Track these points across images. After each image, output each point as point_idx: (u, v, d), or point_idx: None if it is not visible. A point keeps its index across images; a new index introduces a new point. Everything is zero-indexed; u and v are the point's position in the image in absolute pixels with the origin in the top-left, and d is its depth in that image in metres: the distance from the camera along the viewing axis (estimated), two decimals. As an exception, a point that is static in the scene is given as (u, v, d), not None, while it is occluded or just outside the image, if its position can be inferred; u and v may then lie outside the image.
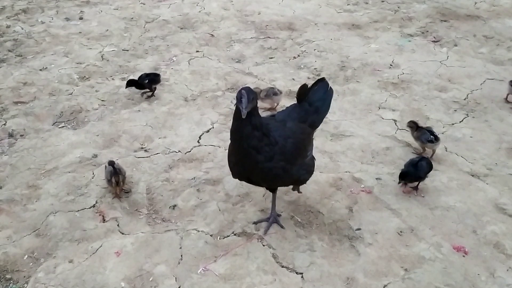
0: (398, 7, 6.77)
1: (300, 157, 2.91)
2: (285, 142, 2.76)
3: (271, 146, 2.67)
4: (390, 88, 4.77)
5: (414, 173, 3.31)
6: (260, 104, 4.09)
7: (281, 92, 4.45)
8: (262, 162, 2.68)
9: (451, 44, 5.67)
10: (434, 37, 5.85)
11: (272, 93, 4.38)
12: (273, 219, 3.16)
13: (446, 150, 3.86)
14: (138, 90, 4.66)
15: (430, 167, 3.38)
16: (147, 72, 4.87)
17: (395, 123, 4.22)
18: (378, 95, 4.65)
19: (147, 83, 4.61)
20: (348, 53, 5.50)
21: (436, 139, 3.64)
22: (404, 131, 4.07)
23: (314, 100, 3.17)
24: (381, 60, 5.32)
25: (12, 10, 6.71)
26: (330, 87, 3.32)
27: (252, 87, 4.27)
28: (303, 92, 3.17)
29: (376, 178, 3.53)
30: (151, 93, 4.68)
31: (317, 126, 3.22)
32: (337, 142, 4.02)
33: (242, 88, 2.51)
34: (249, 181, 2.93)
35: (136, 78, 4.67)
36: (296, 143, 2.84)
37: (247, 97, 2.44)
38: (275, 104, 4.46)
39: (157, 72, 4.86)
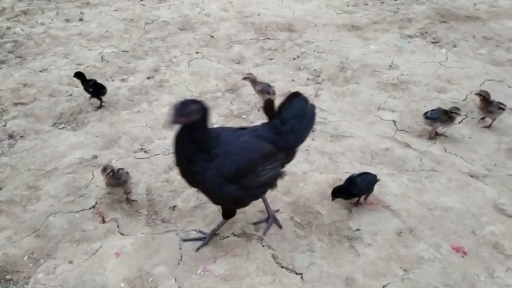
0: (398, 8, 6.78)
1: (244, 178, 2.67)
2: (225, 159, 2.59)
3: (205, 161, 2.56)
4: (390, 89, 4.78)
5: (346, 190, 3.18)
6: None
7: (275, 93, 4.42)
8: (194, 173, 2.61)
9: (450, 45, 5.68)
10: (434, 38, 5.86)
11: (266, 91, 4.38)
12: (272, 219, 3.16)
13: (445, 151, 3.86)
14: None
15: (368, 183, 3.23)
16: (148, 73, 4.87)
17: (395, 124, 4.23)
18: (377, 96, 4.66)
19: (90, 92, 4.41)
20: (347, 54, 5.51)
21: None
22: (403, 132, 4.08)
23: (289, 117, 2.83)
24: (380, 61, 5.33)
25: (12, 12, 6.73)
26: (312, 104, 2.95)
27: (264, 84, 4.42)
28: (270, 107, 2.88)
29: (376, 179, 3.53)
30: (99, 104, 4.50)
31: (295, 147, 2.93)
32: (336, 143, 4.03)
33: (182, 101, 2.46)
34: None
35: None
36: (240, 162, 2.63)
37: (178, 110, 2.39)
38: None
39: (105, 85, 4.51)
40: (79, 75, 4.52)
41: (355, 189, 3.17)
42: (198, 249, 3.00)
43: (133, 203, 3.37)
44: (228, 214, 2.98)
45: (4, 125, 4.19)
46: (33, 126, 4.21)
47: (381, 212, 3.24)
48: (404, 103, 4.52)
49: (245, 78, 4.53)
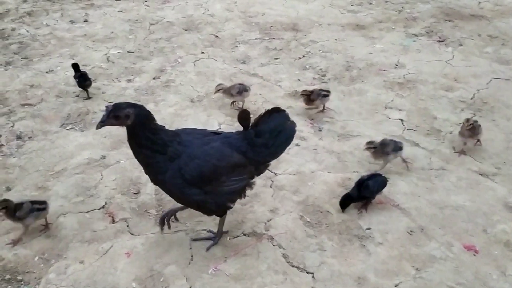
0: (402, 7, 6.77)
1: (208, 184, 2.66)
2: (188, 161, 2.57)
3: (164, 162, 2.56)
4: (396, 88, 4.77)
5: (357, 195, 3.17)
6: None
7: (250, 89, 4.47)
8: (155, 173, 2.63)
9: (456, 43, 5.68)
10: (439, 36, 5.86)
11: (243, 89, 4.39)
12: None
13: (454, 150, 3.85)
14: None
15: (380, 185, 3.22)
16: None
17: (402, 123, 4.22)
18: (384, 95, 4.65)
19: (77, 82, 4.62)
20: (353, 53, 5.51)
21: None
22: (411, 131, 4.08)
23: (265, 130, 2.77)
24: (386, 60, 5.32)
25: (17, 13, 6.73)
26: (292, 121, 2.87)
27: (237, 85, 4.40)
28: (244, 118, 2.80)
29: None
30: (86, 95, 4.68)
31: (267, 161, 2.87)
32: (344, 142, 4.02)
33: (115, 104, 2.47)
34: None
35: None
36: (204, 167, 2.60)
37: (108, 112, 2.40)
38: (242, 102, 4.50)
39: (90, 78, 4.67)
40: (74, 66, 4.71)
41: (367, 193, 3.16)
42: (208, 248, 3.00)
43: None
44: (218, 212, 2.94)
45: (12, 126, 4.19)
46: (41, 127, 4.21)
47: (391, 211, 3.23)
48: (411, 102, 4.51)
49: (217, 91, 4.44)
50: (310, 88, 4.49)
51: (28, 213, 2.97)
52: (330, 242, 3.01)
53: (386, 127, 4.17)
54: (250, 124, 2.82)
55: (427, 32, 6.01)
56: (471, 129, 3.68)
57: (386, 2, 6.96)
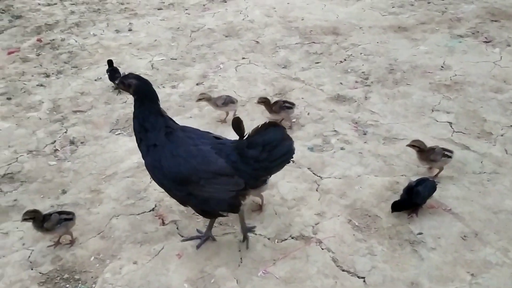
0: (446, 8, 6.62)
1: (186, 184, 2.68)
2: (170, 156, 2.64)
3: (146, 146, 2.74)
4: (443, 90, 4.67)
5: (408, 201, 3.11)
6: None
7: (237, 101, 4.42)
8: (141, 151, 2.82)
9: (503, 44, 5.50)
10: (486, 37, 5.69)
11: (230, 101, 4.35)
12: (204, 238, 3.07)
13: (506, 153, 3.73)
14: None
15: (430, 190, 3.16)
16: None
17: (451, 126, 4.12)
18: (430, 97, 4.56)
19: (108, 75, 5.11)
20: (396, 55, 5.44)
21: None
22: (461, 134, 3.98)
23: (257, 143, 2.66)
24: (431, 62, 5.22)
25: (65, 24, 7.02)
26: (290, 138, 2.75)
27: (223, 96, 4.40)
28: (237, 126, 2.75)
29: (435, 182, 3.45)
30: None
31: (259, 175, 2.77)
32: (390, 145, 3.97)
33: (130, 72, 2.89)
34: None
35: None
36: (183, 167, 2.64)
37: (123, 76, 2.80)
38: (233, 112, 4.40)
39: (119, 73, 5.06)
40: (109, 62, 5.23)
41: (418, 199, 3.10)
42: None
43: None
44: (207, 216, 3.00)
45: (65, 132, 4.37)
46: (92, 132, 4.37)
47: (443, 216, 3.16)
48: (459, 104, 4.40)
49: (199, 100, 4.35)
50: (275, 98, 4.54)
51: (56, 224, 3.02)
52: (380, 246, 2.98)
53: (434, 130, 4.09)
54: (245, 133, 2.76)
55: (472, 33, 5.85)
56: None
57: (429, 3, 6.83)
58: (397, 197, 3.28)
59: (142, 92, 2.71)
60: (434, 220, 3.13)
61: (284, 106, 4.20)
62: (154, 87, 5.17)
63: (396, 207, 3.13)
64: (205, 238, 3.09)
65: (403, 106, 4.50)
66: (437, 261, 2.83)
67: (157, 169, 2.69)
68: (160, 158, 2.66)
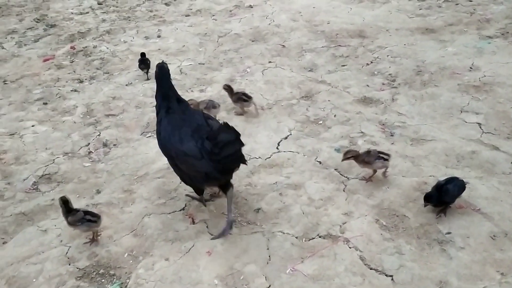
0: (474, 9, 6.55)
1: (168, 158, 3.25)
2: (161, 130, 3.17)
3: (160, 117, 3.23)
4: (472, 91, 4.63)
5: (438, 198, 3.11)
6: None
7: (219, 105, 4.46)
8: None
9: (535, 44, 5.41)
10: (516, 37, 5.60)
11: (212, 106, 4.41)
12: (227, 227, 3.20)
13: (538, 153, 3.68)
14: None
15: (460, 189, 3.15)
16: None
17: (480, 127, 4.09)
18: (459, 98, 4.53)
19: (138, 65, 5.66)
20: (423, 57, 5.41)
21: None
22: (490, 135, 3.94)
23: (214, 138, 2.90)
24: (459, 63, 5.18)
25: (97, 32, 7.27)
26: (239, 144, 2.92)
27: (206, 100, 4.55)
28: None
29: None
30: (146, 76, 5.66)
31: (220, 165, 2.95)
32: (418, 146, 3.96)
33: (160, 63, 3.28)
34: None
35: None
36: (162, 139, 3.17)
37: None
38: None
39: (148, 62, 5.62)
40: (142, 53, 5.70)
41: (448, 197, 3.10)
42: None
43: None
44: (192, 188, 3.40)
45: (99, 135, 4.53)
46: (124, 135, 4.52)
47: (472, 216, 3.14)
48: (488, 105, 4.35)
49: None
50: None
51: (77, 221, 3.14)
52: (408, 245, 2.98)
53: (463, 131, 4.06)
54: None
55: (502, 34, 5.77)
56: None
57: (457, 4, 6.77)
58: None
59: (157, 80, 3.27)
60: (463, 220, 3.12)
61: (241, 98, 4.45)
62: (183, 91, 5.40)
63: (428, 198, 3.12)
64: (226, 228, 3.24)
65: (431, 107, 4.48)
66: (466, 260, 2.82)
67: (157, 140, 3.25)
68: (160, 131, 3.19)
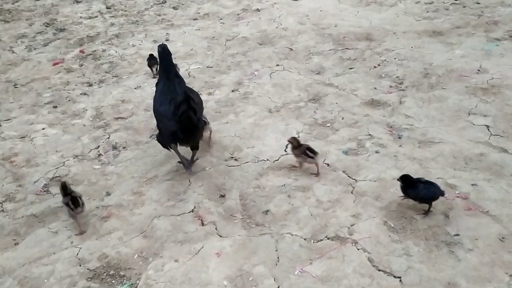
0: (482, 12, 6.54)
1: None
2: (157, 94, 3.87)
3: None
4: (480, 93, 4.62)
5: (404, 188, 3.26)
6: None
7: (208, 123, 4.28)
8: None
9: (543, 46, 5.39)
10: (524, 40, 5.59)
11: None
12: (187, 164, 3.96)
13: (546, 155, 3.67)
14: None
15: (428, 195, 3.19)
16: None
17: (488, 129, 4.08)
18: (466, 101, 4.53)
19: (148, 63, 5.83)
20: (431, 60, 5.41)
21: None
22: (499, 137, 3.94)
23: (178, 105, 3.54)
24: (467, 65, 5.17)
25: (106, 36, 7.34)
26: (190, 107, 3.51)
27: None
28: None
29: (472, 184, 3.44)
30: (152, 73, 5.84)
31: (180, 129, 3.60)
32: (425, 149, 3.97)
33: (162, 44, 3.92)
34: None
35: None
36: (153, 104, 3.87)
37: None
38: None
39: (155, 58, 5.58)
40: (150, 55, 5.86)
41: (411, 192, 3.21)
42: (187, 169, 3.95)
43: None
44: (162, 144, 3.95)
45: (108, 138, 4.59)
46: (133, 138, 4.57)
47: (480, 218, 3.15)
48: (497, 108, 4.35)
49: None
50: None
51: (65, 204, 3.46)
52: (416, 247, 2.99)
53: (471, 133, 4.06)
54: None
55: (510, 36, 5.75)
56: None
57: (464, 7, 6.76)
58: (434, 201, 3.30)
59: (160, 58, 3.90)
60: (471, 222, 3.12)
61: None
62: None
63: (404, 179, 3.26)
64: (185, 165, 3.96)
65: (438, 110, 4.49)
66: (474, 262, 2.83)
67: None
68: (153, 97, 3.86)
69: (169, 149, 3.96)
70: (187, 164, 3.97)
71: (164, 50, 3.86)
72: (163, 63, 3.88)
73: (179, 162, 4.02)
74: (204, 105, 5.05)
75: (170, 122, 3.56)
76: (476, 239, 2.98)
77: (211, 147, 4.29)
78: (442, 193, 3.18)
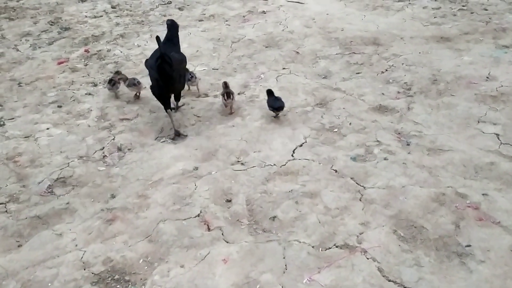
0: (490, 18, 6.51)
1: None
2: (153, 53, 4.63)
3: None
4: (489, 101, 4.58)
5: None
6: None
7: (140, 83, 5.27)
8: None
9: (552, 54, 5.35)
10: (533, 47, 5.56)
11: (132, 83, 5.24)
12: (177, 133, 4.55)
13: (558, 166, 3.63)
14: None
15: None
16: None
17: (498, 137, 4.04)
18: (476, 108, 4.49)
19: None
20: (439, 66, 5.37)
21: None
22: (509, 146, 3.89)
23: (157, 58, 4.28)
24: (476, 72, 5.13)
25: (111, 35, 7.30)
26: (162, 59, 4.21)
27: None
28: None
29: (483, 194, 3.39)
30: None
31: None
32: (435, 156, 3.92)
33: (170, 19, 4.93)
34: None
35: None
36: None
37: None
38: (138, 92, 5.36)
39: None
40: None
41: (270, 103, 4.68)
42: (173, 139, 4.52)
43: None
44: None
45: (113, 139, 4.54)
46: (138, 139, 4.52)
47: (492, 228, 3.10)
48: (506, 116, 4.31)
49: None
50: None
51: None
52: (427, 258, 2.95)
53: (480, 141, 4.01)
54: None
55: (519, 43, 5.72)
56: None
57: (472, 13, 6.73)
58: (445, 209, 3.28)
59: (168, 29, 4.87)
60: (483, 232, 3.08)
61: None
62: (197, 96, 5.38)
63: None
64: (176, 133, 4.56)
65: (447, 117, 4.45)
66: (486, 274, 2.78)
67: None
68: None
69: (165, 106, 4.57)
70: (177, 133, 4.56)
71: (173, 23, 4.84)
72: (171, 33, 4.81)
73: (174, 133, 4.59)
74: (210, 107, 5.06)
75: (152, 71, 4.38)
76: (488, 250, 2.94)
77: (200, 95, 5.32)
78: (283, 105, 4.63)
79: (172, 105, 4.69)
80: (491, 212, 3.23)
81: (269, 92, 4.74)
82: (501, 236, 3.03)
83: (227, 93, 4.82)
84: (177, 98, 4.85)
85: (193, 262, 3.09)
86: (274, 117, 4.66)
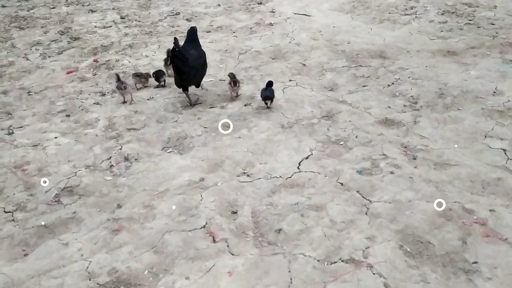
0: (496, 33, 6.52)
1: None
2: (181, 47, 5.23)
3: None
4: (496, 116, 4.58)
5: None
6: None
7: (126, 88, 5.49)
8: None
9: (560, 69, 5.34)
10: (540, 62, 5.55)
11: (119, 87, 5.48)
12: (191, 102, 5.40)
13: None
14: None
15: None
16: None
17: (505, 153, 4.03)
18: (483, 123, 4.48)
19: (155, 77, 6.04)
20: (446, 80, 5.38)
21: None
22: (516, 161, 3.88)
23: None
24: (482, 87, 5.13)
25: (120, 46, 7.38)
26: (175, 56, 5.07)
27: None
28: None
29: (490, 210, 3.38)
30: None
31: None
32: (441, 171, 3.91)
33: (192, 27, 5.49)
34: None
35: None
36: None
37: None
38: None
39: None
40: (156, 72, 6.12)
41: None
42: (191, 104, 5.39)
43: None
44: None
45: (120, 149, 4.57)
46: (145, 149, 4.55)
47: (499, 245, 3.08)
48: (514, 131, 4.30)
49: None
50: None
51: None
52: (433, 274, 2.93)
53: (488, 156, 4.00)
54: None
55: (526, 58, 5.72)
56: None
57: (479, 27, 6.75)
58: (452, 225, 3.26)
59: (189, 34, 5.44)
60: (490, 249, 3.05)
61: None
62: (204, 107, 5.43)
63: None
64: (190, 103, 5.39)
65: (454, 131, 4.44)
66: (494, 291, 2.76)
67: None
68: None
69: (185, 93, 5.39)
70: (191, 102, 5.41)
71: (193, 29, 5.40)
72: (192, 36, 5.39)
73: (188, 103, 5.42)
74: (216, 118, 5.08)
75: (182, 64, 5.08)
76: (495, 267, 2.91)
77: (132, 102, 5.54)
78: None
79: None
80: (498, 229, 3.21)
81: (268, 84, 5.16)
82: (508, 253, 3.01)
83: (234, 82, 5.37)
84: (197, 86, 5.56)
85: (198, 274, 3.09)
86: (267, 108, 5.16)
